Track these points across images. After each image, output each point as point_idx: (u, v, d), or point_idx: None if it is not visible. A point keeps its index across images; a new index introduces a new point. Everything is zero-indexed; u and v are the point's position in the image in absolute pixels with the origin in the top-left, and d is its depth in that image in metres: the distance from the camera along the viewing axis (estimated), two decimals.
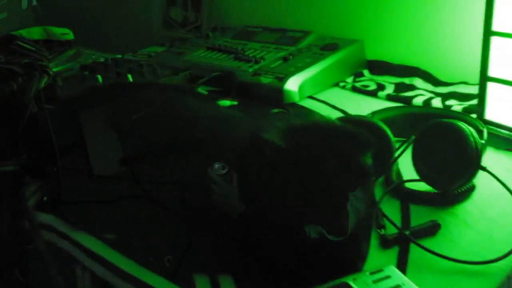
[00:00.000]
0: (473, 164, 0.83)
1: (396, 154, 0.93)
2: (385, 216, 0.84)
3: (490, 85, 1.07)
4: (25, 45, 1.39)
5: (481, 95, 1.08)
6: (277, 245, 0.70)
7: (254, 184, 0.73)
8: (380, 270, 0.68)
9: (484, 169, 0.83)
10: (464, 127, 0.85)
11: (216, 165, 0.74)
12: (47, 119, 0.94)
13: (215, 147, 0.83)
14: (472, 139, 0.83)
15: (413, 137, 0.92)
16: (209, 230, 0.79)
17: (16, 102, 1.19)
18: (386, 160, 0.93)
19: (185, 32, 1.99)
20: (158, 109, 0.92)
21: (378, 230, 0.81)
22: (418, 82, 1.42)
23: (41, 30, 1.62)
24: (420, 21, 1.47)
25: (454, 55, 1.42)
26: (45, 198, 0.92)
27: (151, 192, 0.91)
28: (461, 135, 0.83)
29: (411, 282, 0.65)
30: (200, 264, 0.75)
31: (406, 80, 1.44)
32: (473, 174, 0.84)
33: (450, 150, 0.84)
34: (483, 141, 0.85)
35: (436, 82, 1.42)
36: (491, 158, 0.92)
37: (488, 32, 1.03)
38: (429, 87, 1.40)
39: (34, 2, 1.57)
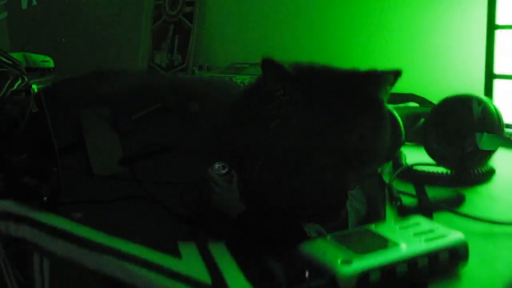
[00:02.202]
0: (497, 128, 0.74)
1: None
2: (399, 191, 0.73)
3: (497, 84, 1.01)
4: (1, 58, 1.33)
5: (488, 95, 1.02)
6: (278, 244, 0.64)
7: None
8: (406, 219, 0.57)
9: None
10: (481, 97, 0.77)
11: (216, 165, 0.72)
12: (47, 119, 0.90)
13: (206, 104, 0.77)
14: (493, 107, 0.75)
15: (422, 120, 0.84)
16: (209, 230, 0.74)
17: None
18: (394, 144, 0.84)
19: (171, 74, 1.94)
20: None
21: (393, 203, 0.71)
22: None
23: (21, 56, 1.57)
24: (413, 48, 1.45)
25: (449, 79, 1.38)
26: (45, 198, 0.85)
27: (151, 192, 0.86)
28: (479, 102, 0.76)
29: (444, 227, 0.54)
30: None
31: (401, 106, 1.38)
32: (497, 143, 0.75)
33: (469, 122, 0.76)
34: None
35: (433, 106, 1.36)
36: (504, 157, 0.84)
37: (492, 26, 0.99)
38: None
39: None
